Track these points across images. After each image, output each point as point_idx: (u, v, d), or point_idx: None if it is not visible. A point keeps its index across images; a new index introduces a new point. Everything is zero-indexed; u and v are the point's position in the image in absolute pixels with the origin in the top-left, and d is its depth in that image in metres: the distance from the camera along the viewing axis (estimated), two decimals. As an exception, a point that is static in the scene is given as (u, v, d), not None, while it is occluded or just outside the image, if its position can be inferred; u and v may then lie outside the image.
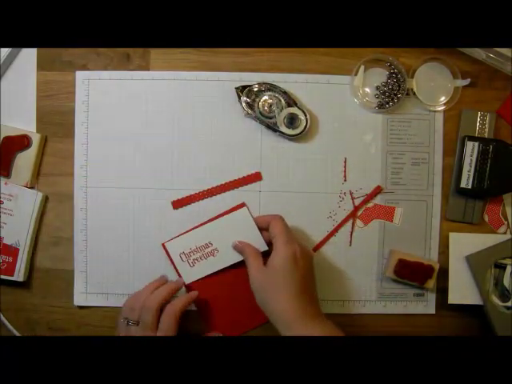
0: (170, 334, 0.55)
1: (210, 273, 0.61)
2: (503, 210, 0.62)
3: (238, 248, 0.59)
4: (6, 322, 0.62)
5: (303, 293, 0.53)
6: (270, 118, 0.60)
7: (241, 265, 0.60)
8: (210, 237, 0.61)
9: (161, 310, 0.56)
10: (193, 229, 0.61)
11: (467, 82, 0.60)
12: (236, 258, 0.60)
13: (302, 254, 0.54)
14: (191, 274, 0.61)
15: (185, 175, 0.62)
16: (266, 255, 0.56)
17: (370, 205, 0.62)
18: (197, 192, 0.62)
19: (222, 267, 0.61)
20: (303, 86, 0.62)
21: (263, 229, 0.59)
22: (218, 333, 0.61)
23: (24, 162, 0.61)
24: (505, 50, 0.58)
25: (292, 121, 0.60)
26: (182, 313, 0.57)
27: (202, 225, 0.61)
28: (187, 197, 0.62)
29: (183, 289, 0.61)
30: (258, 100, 0.60)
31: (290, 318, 0.51)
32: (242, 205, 0.61)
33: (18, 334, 0.62)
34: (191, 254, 0.61)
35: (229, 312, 0.61)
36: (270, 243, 0.58)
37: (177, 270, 0.61)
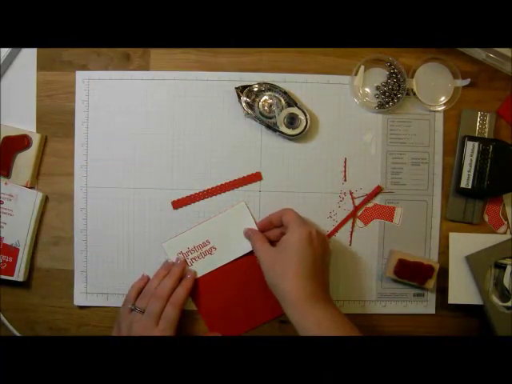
0: (172, 323, 0.56)
1: (207, 271, 0.61)
2: (503, 209, 0.62)
3: (247, 235, 0.60)
4: (6, 322, 0.62)
5: (313, 273, 0.53)
6: (270, 118, 0.60)
7: (240, 263, 0.60)
8: (208, 235, 0.61)
9: None
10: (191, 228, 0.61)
11: (467, 82, 0.60)
12: (234, 255, 0.60)
13: (318, 235, 0.55)
14: None
15: (185, 175, 0.62)
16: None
17: (369, 205, 0.62)
18: (197, 192, 0.62)
19: (219, 265, 0.61)
20: (303, 85, 0.62)
21: (276, 226, 0.59)
22: (217, 333, 0.61)
23: (24, 161, 0.61)
24: (505, 50, 0.58)
25: (292, 121, 0.60)
26: (186, 300, 0.59)
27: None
28: (187, 197, 0.62)
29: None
30: (258, 100, 0.60)
31: (295, 298, 0.51)
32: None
33: (18, 333, 0.62)
34: (189, 254, 0.61)
35: (228, 311, 0.61)
36: (277, 240, 0.58)
37: None
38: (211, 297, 0.61)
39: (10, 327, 0.62)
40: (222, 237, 0.61)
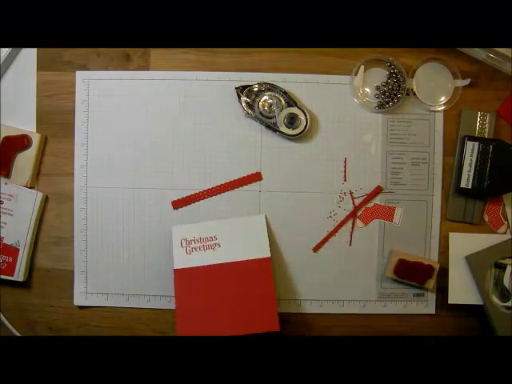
0: None
1: (202, 264, 0.60)
2: (503, 210, 0.62)
3: None
4: (6, 322, 0.62)
5: None
6: (270, 118, 0.60)
7: (238, 267, 0.59)
8: (218, 232, 0.61)
9: None
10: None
11: (467, 81, 0.60)
12: (234, 257, 0.60)
13: None
14: (184, 261, 0.60)
15: (185, 175, 0.62)
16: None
17: (370, 205, 0.62)
18: (197, 192, 0.62)
19: (217, 262, 0.60)
20: (303, 85, 0.62)
21: None
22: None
23: (24, 161, 0.61)
24: (505, 50, 0.58)
25: (292, 121, 0.60)
26: None
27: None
28: (187, 197, 0.62)
29: (172, 275, 0.60)
30: (258, 100, 0.60)
31: None
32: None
33: (18, 334, 0.62)
34: (192, 243, 0.60)
35: (208, 311, 0.59)
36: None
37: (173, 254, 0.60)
38: (196, 291, 0.59)
39: (11, 327, 0.62)
40: (230, 237, 0.60)
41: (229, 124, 0.62)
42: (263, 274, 0.59)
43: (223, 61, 0.62)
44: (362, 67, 0.61)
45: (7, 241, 0.61)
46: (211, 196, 0.62)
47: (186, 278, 0.60)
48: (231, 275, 0.59)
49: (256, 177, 0.62)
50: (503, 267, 0.60)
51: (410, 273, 0.59)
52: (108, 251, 0.62)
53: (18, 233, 0.61)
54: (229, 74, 0.62)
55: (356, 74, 0.61)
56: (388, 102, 0.61)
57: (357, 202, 0.62)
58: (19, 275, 0.61)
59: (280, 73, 0.62)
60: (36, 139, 0.61)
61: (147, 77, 0.62)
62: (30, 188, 0.62)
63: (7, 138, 0.61)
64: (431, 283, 0.60)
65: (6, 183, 0.61)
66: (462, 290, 0.61)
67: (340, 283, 0.62)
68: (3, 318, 0.62)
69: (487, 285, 0.60)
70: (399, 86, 0.61)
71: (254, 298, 0.58)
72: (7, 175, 0.61)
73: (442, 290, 0.62)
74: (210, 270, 0.60)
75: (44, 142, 0.62)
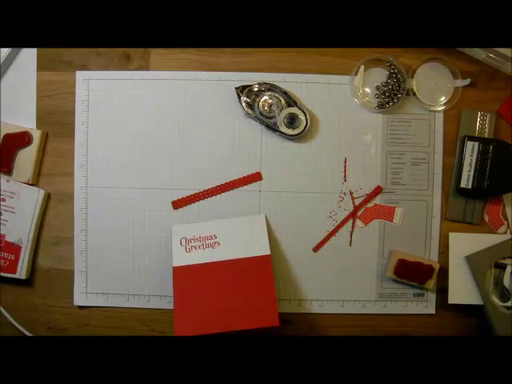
0: None
1: (201, 262, 0.60)
2: (503, 210, 0.62)
3: None
4: (13, 321, 0.62)
5: None
6: (270, 118, 0.60)
7: (236, 264, 0.59)
8: (217, 231, 0.61)
9: None
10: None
11: (467, 81, 0.60)
12: (234, 255, 0.60)
13: None
14: (183, 259, 0.60)
15: (185, 175, 0.62)
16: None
17: (370, 205, 0.62)
18: (197, 192, 0.62)
19: (216, 260, 0.60)
20: (303, 85, 0.62)
21: None
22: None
23: (25, 158, 0.61)
24: (505, 50, 0.58)
25: (292, 121, 0.60)
26: None
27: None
28: (187, 197, 0.62)
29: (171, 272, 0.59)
30: (258, 100, 0.60)
31: None
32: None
33: (29, 333, 0.62)
34: (191, 241, 0.60)
35: (207, 308, 0.58)
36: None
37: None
38: (195, 289, 0.59)
39: (20, 327, 0.62)
40: (229, 236, 0.60)
41: (229, 124, 0.62)
42: (263, 271, 0.59)
43: (223, 61, 0.62)
44: (362, 67, 0.61)
45: (9, 238, 0.61)
46: (211, 196, 0.62)
47: (184, 276, 0.59)
48: (230, 272, 0.59)
49: (256, 177, 0.62)
50: (503, 267, 0.60)
51: (409, 273, 0.59)
52: (108, 251, 0.62)
53: (20, 230, 0.61)
54: (229, 74, 0.62)
55: (356, 74, 0.61)
56: (388, 102, 0.61)
57: (357, 202, 0.62)
58: (22, 273, 0.61)
59: (280, 73, 0.62)
60: (37, 136, 0.61)
61: (147, 77, 0.62)
62: (32, 185, 0.62)
63: (8, 136, 0.61)
64: (431, 283, 0.60)
65: (7, 180, 0.61)
66: (462, 290, 0.61)
67: (340, 283, 0.62)
68: (9, 318, 0.62)
69: (487, 285, 0.60)
70: (399, 85, 0.61)
71: (254, 294, 0.58)
72: (8, 172, 0.61)
73: (442, 290, 0.62)
74: (209, 268, 0.60)
75: (45, 139, 0.62)
